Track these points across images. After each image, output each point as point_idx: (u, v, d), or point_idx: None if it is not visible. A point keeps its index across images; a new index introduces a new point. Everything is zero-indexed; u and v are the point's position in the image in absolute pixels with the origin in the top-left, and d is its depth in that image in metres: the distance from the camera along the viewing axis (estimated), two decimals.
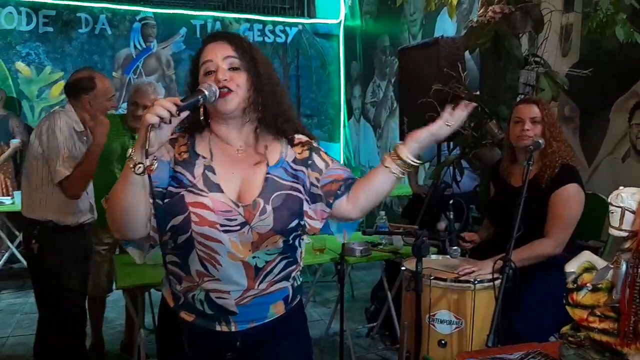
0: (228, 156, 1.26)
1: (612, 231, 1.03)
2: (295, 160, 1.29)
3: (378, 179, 1.26)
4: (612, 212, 1.01)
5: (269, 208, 1.20)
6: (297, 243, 1.28)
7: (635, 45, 2.57)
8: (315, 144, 1.34)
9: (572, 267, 1.04)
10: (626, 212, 0.97)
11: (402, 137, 3.57)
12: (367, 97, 6.31)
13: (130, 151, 1.09)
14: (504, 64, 2.76)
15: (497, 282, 2.06)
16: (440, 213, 3.78)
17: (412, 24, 5.45)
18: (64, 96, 2.66)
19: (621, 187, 1.02)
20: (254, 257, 1.20)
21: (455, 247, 2.09)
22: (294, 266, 1.29)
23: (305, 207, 1.26)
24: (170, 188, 1.21)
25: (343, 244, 2.67)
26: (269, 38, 6.33)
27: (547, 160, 2.13)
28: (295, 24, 6.46)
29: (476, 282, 2.02)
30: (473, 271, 2.06)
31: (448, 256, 2.24)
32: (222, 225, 1.18)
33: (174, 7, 5.97)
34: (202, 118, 1.22)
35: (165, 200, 1.20)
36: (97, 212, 2.67)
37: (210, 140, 1.27)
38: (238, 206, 1.20)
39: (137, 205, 1.14)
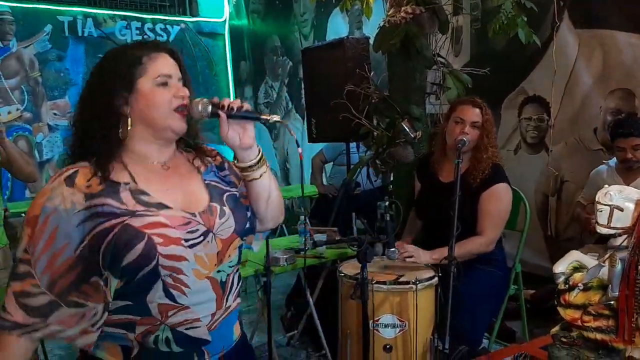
0: (153, 173, 1.13)
1: (601, 229, 1.05)
2: (218, 167, 1.26)
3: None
4: (601, 211, 1.04)
5: (227, 209, 1.17)
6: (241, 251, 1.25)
7: (520, 46, 2.78)
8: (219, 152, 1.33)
9: (561, 267, 1.05)
10: (615, 210, 1.00)
11: (311, 138, 3.53)
12: (259, 98, 6.17)
13: None
14: (413, 65, 2.82)
15: (436, 280, 2.10)
16: (352, 212, 3.83)
17: (302, 25, 5.42)
18: None
19: (606, 186, 1.05)
20: (218, 272, 1.13)
21: (393, 249, 2.07)
22: (241, 279, 1.24)
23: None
24: (104, 225, 1.02)
25: (267, 255, 2.53)
26: (149, 37, 5.91)
27: (481, 166, 2.19)
28: (177, 22, 6.11)
29: (417, 282, 2.03)
30: (412, 255, 2.08)
31: (383, 257, 2.22)
32: (186, 240, 1.08)
33: (36, 2, 5.29)
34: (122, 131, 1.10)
35: (107, 240, 1.02)
36: None
37: (125, 163, 1.11)
38: (195, 215, 1.11)
39: None
